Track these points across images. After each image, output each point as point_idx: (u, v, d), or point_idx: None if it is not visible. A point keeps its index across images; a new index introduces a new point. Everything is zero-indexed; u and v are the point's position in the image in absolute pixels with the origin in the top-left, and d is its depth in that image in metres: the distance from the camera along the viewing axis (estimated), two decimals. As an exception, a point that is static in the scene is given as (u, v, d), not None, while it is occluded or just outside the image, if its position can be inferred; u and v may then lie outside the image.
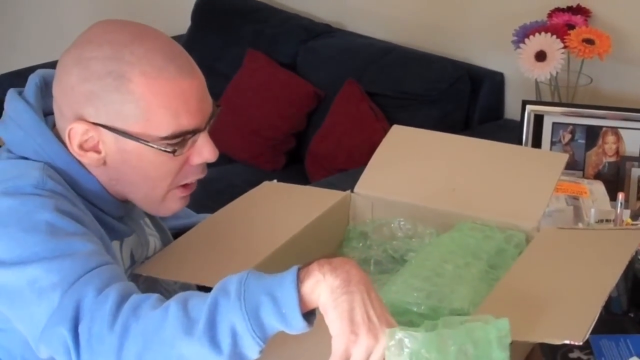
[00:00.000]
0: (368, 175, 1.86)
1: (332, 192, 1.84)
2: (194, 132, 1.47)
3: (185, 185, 1.54)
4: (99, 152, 1.47)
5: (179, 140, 1.46)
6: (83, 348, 1.28)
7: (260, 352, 1.25)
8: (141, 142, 1.44)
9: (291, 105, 3.61)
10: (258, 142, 3.60)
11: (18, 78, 3.62)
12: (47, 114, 1.52)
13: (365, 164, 1.88)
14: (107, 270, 1.36)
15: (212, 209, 1.78)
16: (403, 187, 1.82)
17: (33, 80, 1.54)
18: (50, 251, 1.34)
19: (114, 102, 1.42)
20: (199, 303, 1.27)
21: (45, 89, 1.53)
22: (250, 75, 3.73)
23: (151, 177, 1.49)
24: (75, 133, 1.45)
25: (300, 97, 3.61)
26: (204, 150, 1.50)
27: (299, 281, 1.23)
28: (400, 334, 1.21)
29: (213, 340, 1.23)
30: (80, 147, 1.46)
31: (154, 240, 1.65)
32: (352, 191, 1.84)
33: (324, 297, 1.23)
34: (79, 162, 1.48)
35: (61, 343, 1.29)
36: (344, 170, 3.16)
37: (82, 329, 1.29)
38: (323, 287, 1.23)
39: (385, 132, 1.96)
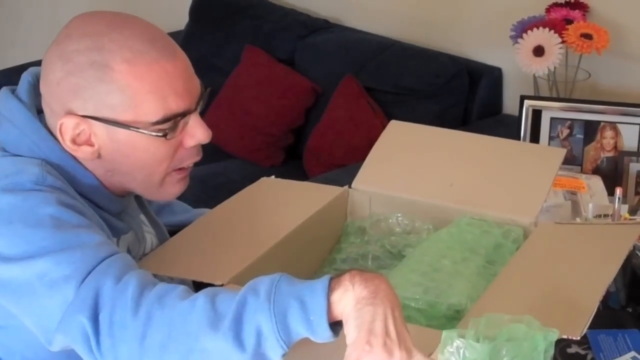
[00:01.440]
0: (366, 170, 1.86)
1: (330, 187, 1.84)
2: (184, 114, 1.46)
3: (182, 169, 1.53)
4: (92, 145, 1.46)
5: (170, 124, 1.45)
6: (103, 335, 1.28)
7: (283, 356, 1.25)
8: (132, 130, 1.44)
9: (289, 101, 3.61)
10: (256, 138, 3.60)
11: (16, 74, 3.61)
12: (41, 111, 1.52)
13: (363, 159, 1.88)
14: (120, 259, 1.36)
15: (210, 205, 1.79)
16: (401, 182, 1.82)
17: (26, 78, 1.54)
18: (58, 244, 1.34)
19: (100, 92, 1.42)
20: (228, 299, 1.26)
21: (38, 87, 1.53)
22: (248, 71, 3.73)
23: (146, 164, 1.49)
24: (66, 128, 1.45)
25: (298, 92, 3.61)
26: (196, 132, 1.49)
27: (329, 290, 1.23)
28: (458, 341, 1.20)
29: (237, 337, 1.23)
30: (73, 141, 1.46)
31: (150, 237, 1.65)
32: (350, 186, 1.84)
33: (349, 307, 1.21)
34: (75, 158, 1.48)
35: (80, 332, 1.29)
36: (342, 165, 3.16)
37: (102, 317, 1.29)
38: (350, 297, 1.22)
39: (383, 127, 1.96)
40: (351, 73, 3.48)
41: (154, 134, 1.44)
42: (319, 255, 1.77)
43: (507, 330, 1.22)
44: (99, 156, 1.47)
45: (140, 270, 1.36)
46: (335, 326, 1.23)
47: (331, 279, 1.24)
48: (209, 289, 1.31)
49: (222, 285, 1.50)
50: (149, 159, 1.48)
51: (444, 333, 1.21)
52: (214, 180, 3.22)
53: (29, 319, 1.37)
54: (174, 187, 1.54)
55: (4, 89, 1.54)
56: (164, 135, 1.45)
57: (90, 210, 1.47)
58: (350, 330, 1.21)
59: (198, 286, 1.58)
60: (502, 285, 1.49)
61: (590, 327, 1.33)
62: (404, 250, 1.73)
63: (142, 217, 1.66)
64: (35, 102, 1.52)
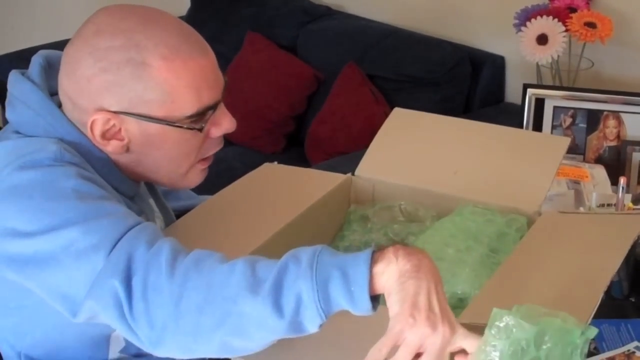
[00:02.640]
0: (369, 158, 1.85)
1: (333, 174, 1.84)
2: (215, 106, 1.49)
3: (205, 158, 1.56)
4: (121, 139, 1.47)
5: (202, 116, 1.48)
6: (136, 299, 1.28)
7: (320, 326, 1.24)
8: (168, 124, 1.45)
9: (291, 87, 3.60)
10: (258, 125, 3.59)
11: (18, 59, 3.61)
12: (52, 94, 1.52)
13: (365, 147, 1.87)
14: (149, 227, 1.36)
15: (211, 191, 1.78)
16: (404, 170, 1.81)
17: (37, 60, 1.54)
18: (83, 215, 1.34)
19: (137, 89, 1.42)
20: (268, 265, 1.26)
21: (49, 70, 1.53)
22: (250, 58, 3.72)
23: (175, 156, 1.51)
24: (97, 123, 1.45)
25: (300, 79, 3.61)
26: (223, 122, 1.53)
27: (372, 261, 1.22)
28: (508, 318, 1.20)
29: (277, 303, 1.22)
30: (103, 136, 1.46)
31: (159, 221, 1.65)
32: (353, 174, 1.83)
33: (392, 280, 1.21)
34: (90, 142, 1.48)
35: (112, 296, 1.28)
36: (344, 153, 3.16)
37: (136, 280, 1.28)
38: (393, 270, 1.22)
39: (385, 115, 1.95)
40: (353, 60, 3.47)
41: (190, 127, 1.47)
42: (322, 243, 1.76)
43: (545, 321, 1.22)
44: (128, 149, 1.48)
45: (171, 237, 1.35)
46: (374, 301, 1.23)
47: (374, 252, 1.23)
48: (248, 256, 1.30)
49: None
50: (178, 151, 1.50)
51: (495, 310, 1.21)
52: (215, 166, 3.18)
53: (51, 293, 1.36)
54: (197, 177, 1.57)
55: (14, 71, 1.54)
56: (200, 129, 1.48)
57: (109, 187, 1.47)
58: (393, 304, 1.20)
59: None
60: (506, 274, 1.49)
61: (593, 317, 1.32)
62: (407, 238, 1.72)
63: (151, 201, 1.66)
64: (46, 85, 1.51)
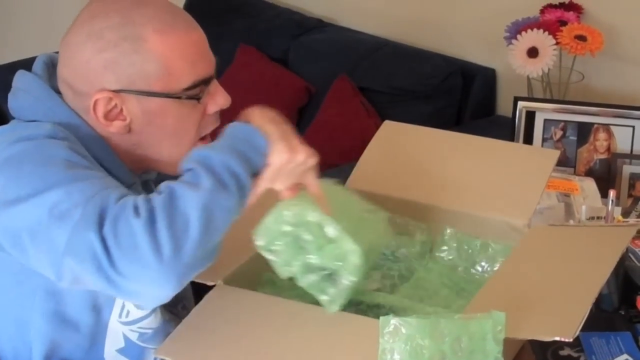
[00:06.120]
0: (360, 170, 1.85)
1: (323, 187, 1.83)
2: (209, 79, 1.54)
3: (203, 139, 1.58)
4: (123, 119, 1.50)
5: (198, 89, 1.52)
6: (112, 248, 1.28)
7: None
8: (167, 97, 1.49)
9: (282, 100, 3.60)
10: (249, 137, 3.59)
11: (10, 71, 3.60)
12: (57, 92, 1.54)
13: (356, 159, 1.88)
14: (123, 189, 1.39)
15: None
16: (395, 182, 1.82)
17: (41, 58, 1.58)
18: (70, 178, 1.36)
19: (134, 64, 1.46)
20: (188, 177, 1.36)
21: (52, 69, 1.56)
22: (241, 70, 3.72)
23: (176, 133, 1.53)
24: (100, 104, 1.48)
25: (291, 92, 3.61)
26: (218, 97, 1.59)
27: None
28: (394, 320, 1.24)
29: (222, 185, 1.35)
30: (106, 117, 1.49)
31: None
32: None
33: (266, 127, 1.51)
34: (89, 125, 1.50)
35: (87, 248, 1.28)
36: (335, 165, 3.15)
37: (106, 230, 1.29)
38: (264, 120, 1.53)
39: (376, 127, 1.95)
40: (345, 73, 3.47)
41: (189, 97, 1.51)
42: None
43: (438, 315, 1.27)
44: (129, 130, 1.51)
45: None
46: None
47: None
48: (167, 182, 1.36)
49: (214, 286, 1.50)
50: (178, 126, 1.53)
51: (381, 318, 1.26)
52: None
53: (38, 259, 1.36)
54: None
55: (20, 70, 1.58)
56: (198, 99, 1.52)
57: (103, 171, 1.48)
58: (275, 140, 1.48)
59: (193, 286, 1.58)
60: (495, 286, 1.49)
61: (582, 330, 1.33)
62: (397, 250, 1.73)
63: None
64: (48, 79, 1.54)
